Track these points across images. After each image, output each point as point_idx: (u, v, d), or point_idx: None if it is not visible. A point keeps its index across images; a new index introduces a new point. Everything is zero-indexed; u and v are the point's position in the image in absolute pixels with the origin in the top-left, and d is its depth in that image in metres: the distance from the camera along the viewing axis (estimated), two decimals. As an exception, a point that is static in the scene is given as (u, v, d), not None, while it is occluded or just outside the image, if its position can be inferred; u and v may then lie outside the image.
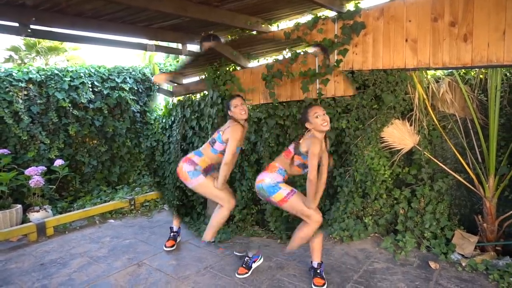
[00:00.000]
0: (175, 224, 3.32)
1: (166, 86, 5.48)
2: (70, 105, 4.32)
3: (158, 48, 4.82)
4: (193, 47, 5.31)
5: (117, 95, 4.78)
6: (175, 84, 5.38)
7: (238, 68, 4.45)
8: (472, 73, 3.28)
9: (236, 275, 2.67)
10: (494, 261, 2.70)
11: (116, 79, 4.87)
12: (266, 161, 4.14)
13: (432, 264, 2.76)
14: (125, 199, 3.90)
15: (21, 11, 3.12)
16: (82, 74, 4.51)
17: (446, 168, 3.25)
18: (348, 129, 3.50)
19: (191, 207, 5.06)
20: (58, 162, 3.99)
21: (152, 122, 5.77)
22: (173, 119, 5.33)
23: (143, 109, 5.22)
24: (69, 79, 4.37)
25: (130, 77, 5.07)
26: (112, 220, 3.66)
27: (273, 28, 4.33)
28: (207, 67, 4.58)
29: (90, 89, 4.55)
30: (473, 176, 3.08)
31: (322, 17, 3.71)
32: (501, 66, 2.66)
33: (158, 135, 5.61)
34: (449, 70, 3.28)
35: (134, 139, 5.05)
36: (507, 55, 2.57)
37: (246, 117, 2.89)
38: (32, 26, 3.39)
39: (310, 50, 3.90)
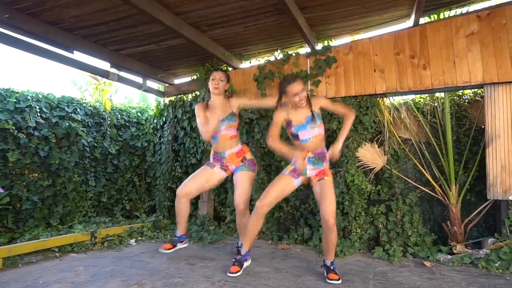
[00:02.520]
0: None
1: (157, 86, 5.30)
2: (14, 127, 3.68)
3: (120, 79, 4.63)
4: (153, 84, 5.23)
5: (67, 124, 4.26)
6: (167, 85, 5.22)
7: (230, 68, 4.48)
8: (421, 103, 3.94)
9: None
10: (475, 254, 3.01)
11: (66, 108, 4.40)
12: (257, 162, 4.07)
13: (427, 263, 2.93)
14: (86, 231, 3.27)
15: (-5, 6, 2.79)
16: (29, 97, 3.97)
17: (414, 183, 3.65)
18: (339, 130, 3.66)
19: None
20: (-4, 191, 3.24)
21: (143, 122, 5.47)
22: (164, 120, 5.19)
23: (93, 144, 4.70)
24: (15, 100, 3.80)
25: (80, 109, 4.63)
26: (74, 254, 2.97)
27: (245, 64, 4.61)
28: (199, 68, 4.58)
29: (38, 114, 3.99)
30: (437, 187, 3.52)
31: (293, 54, 4.15)
32: (456, 88, 3.30)
33: (149, 136, 5.34)
34: (404, 101, 3.90)
35: (82, 175, 4.42)
36: (459, 79, 3.23)
37: (217, 92, 2.92)
38: (-4, 28, 3.03)
39: (302, 51, 4.14)
